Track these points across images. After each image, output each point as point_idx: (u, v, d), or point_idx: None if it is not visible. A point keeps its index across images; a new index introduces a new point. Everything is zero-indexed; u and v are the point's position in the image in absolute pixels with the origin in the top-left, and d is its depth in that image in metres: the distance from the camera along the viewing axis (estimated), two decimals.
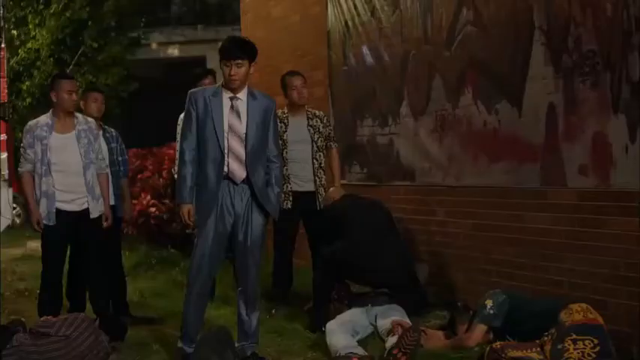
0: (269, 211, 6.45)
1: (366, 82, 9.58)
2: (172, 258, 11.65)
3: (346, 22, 9.88)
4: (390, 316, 6.92)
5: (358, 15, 9.59)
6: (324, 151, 8.39)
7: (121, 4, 19.47)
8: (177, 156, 7.02)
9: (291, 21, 11.31)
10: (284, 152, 8.24)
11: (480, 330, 6.47)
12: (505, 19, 7.39)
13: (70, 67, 18.56)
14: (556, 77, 6.79)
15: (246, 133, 6.36)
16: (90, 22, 18.87)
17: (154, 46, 24.89)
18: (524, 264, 7.24)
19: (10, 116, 6.96)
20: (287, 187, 8.20)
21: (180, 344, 6.52)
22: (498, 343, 6.07)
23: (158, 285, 10.14)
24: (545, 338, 5.92)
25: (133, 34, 20.94)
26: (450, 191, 8.18)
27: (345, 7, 9.87)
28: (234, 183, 6.35)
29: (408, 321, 6.89)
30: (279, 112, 8.51)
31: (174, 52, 26.10)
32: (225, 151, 6.29)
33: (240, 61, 6.26)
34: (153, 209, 12.50)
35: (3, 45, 6.75)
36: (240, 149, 6.34)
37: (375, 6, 9.24)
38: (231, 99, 6.37)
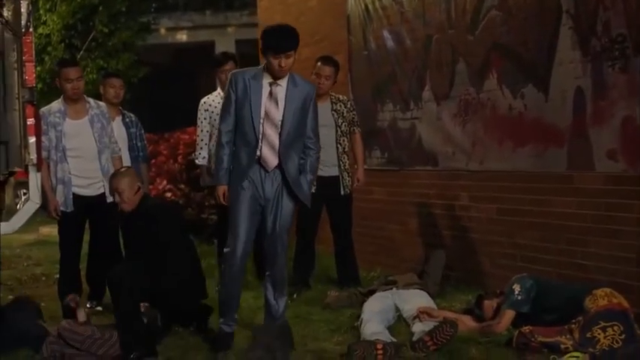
0: (300, 198, 6.43)
1: (386, 66, 9.56)
2: None
3: (366, 6, 9.86)
4: (417, 302, 6.93)
5: None
6: (348, 136, 8.38)
7: None
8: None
9: (309, 5, 11.30)
10: None
11: (509, 316, 6.46)
12: (531, 4, 7.37)
13: (81, 52, 18.58)
14: (584, 61, 6.78)
15: (282, 121, 6.29)
16: (101, 8, 18.90)
17: (162, 31, 24.83)
18: (549, 248, 7.24)
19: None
20: None
21: (221, 324, 6.49)
22: (527, 327, 6.06)
23: None
24: (573, 325, 5.92)
25: (143, 20, 20.92)
26: (473, 176, 8.17)
27: None
28: (265, 169, 6.32)
29: (434, 306, 6.92)
30: None
31: (182, 37, 26.06)
32: (260, 137, 6.27)
33: (289, 52, 6.18)
34: (169, 194, 12.49)
35: (31, 29, 6.73)
36: (274, 137, 6.30)
37: None
38: (271, 84, 6.29)
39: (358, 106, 9.07)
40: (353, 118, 8.42)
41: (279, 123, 6.30)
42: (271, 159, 6.30)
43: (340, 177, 8.27)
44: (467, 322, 6.69)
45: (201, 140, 8.67)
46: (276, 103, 6.30)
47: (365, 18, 9.92)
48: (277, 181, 6.36)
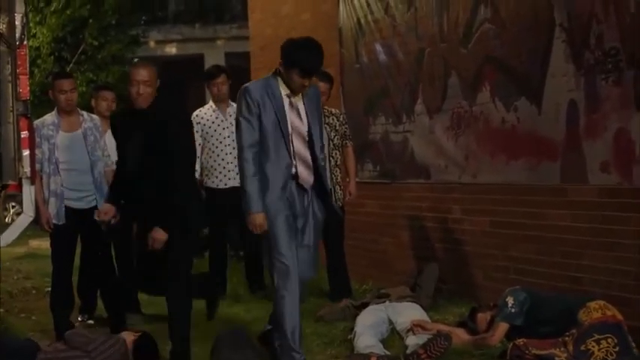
0: (333, 212, 6.24)
1: (379, 79, 9.57)
2: None
3: (358, 20, 9.88)
4: (410, 315, 6.93)
5: (371, 12, 9.58)
6: (340, 149, 8.39)
7: (120, 1, 19.49)
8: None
9: (301, 18, 11.31)
10: None
11: (502, 328, 6.45)
12: (524, 17, 7.38)
13: (71, 65, 18.56)
14: (577, 74, 6.79)
15: (310, 133, 5.96)
16: (90, 20, 18.90)
17: (151, 44, 24.85)
18: (543, 261, 7.24)
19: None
20: None
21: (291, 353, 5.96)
22: (521, 340, 6.05)
23: None
24: (567, 338, 5.92)
25: (133, 33, 20.93)
26: (466, 189, 8.18)
27: (357, 4, 9.87)
28: (302, 188, 5.96)
29: (427, 319, 6.92)
30: None
31: (172, 50, 26.09)
32: (292, 154, 5.87)
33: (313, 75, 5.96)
34: None
35: (25, 42, 6.71)
36: (304, 151, 5.93)
37: (389, 3, 9.23)
38: (289, 96, 5.91)
39: (350, 120, 9.09)
40: (345, 131, 8.44)
41: (307, 136, 5.95)
42: (308, 177, 5.95)
43: (332, 190, 8.27)
44: (460, 335, 6.68)
45: None
46: (299, 115, 5.95)
47: (357, 31, 9.94)
48: (308, 197, 6.02)
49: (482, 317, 6.71)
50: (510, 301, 6.45)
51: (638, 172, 6.29)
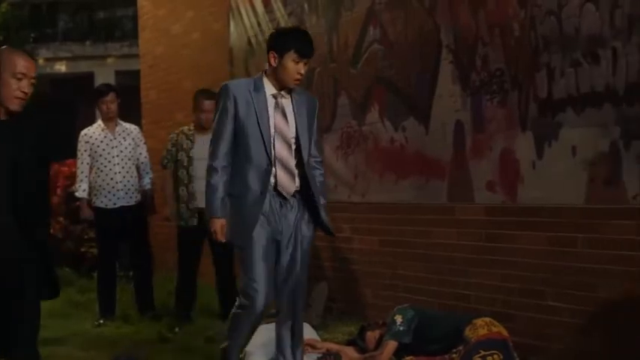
0: (324, 228, 5.78)
1: None
2: (67, 277, 11.42)
3: (249, 40, 9.88)
4: None
5: (262, 32, 9.59)
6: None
7: (8, 18, 19.14)
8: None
9: (192, 38, 11.27)
10: (190, 169, 8.21)
11: (391, 346, 6.48)
12: (412, 38, 7.48)
13: None
14: (464, 95, 6.91)
15: (297, 138, 5.57)
16: None
17: (40, 61, 24.42)
18: (431, 279, 7.32)
19: None
20: (193, 204, 8.19)
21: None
22: (410, 357, 6.13)
23: (55, 306, 9.92)
24: (454, 355, 5.99)
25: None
26: (355, 208, 8.23)
27: (247, 24, 9.87)
28: (282, 196, 5.57)
29: (317, 338, 6.93)
30: (185, 128, 8.47)
31: (61, 67, 25.65)
32: (272, 159, 5.49)
33: (308, 60, 5.61)
34: None
35: None
36: (288, 157, 5.54)
37: (279, 23, 9.25)
38: (275, 96, 5.55)
39: None
40: None
41: (293, 141, 5.57)
42: (288, 184, 5.54)
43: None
44: (350, 354, 6.70)
45: (81, 172, 8.65)
46: (285, 117, 5.56)
47: (248, 51, 9.94)
48: (295, 210, 5.61)
49: (372, 335, 6.74)
50: (399, 319, 6.49)
51: (523, 191, 6.42)
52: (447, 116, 7.07)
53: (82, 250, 11.78)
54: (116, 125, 8.76)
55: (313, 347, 6.65)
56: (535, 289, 6.35)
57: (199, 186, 8.16)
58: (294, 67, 5.47)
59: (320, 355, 6.34)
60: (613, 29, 5.70)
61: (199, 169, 8.16)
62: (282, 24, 9.19)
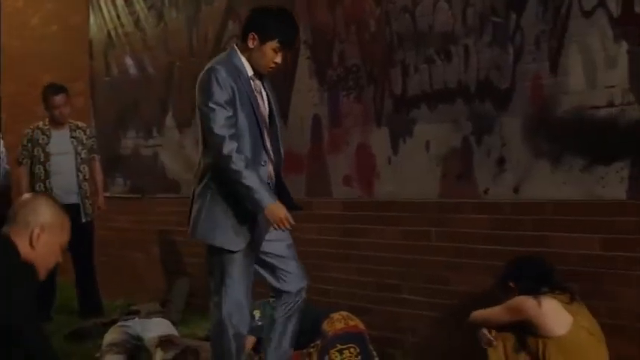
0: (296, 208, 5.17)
1: (129, 93, 9.47)
2: None
3: (109, 32, 9.74)
4: (158, 331, 6.87)
5: (122, 25, 9.47)
6: (88, 163, 8.24)
7: None
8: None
9: (51, 30, 11.04)
10: (47, 165, 8.05)
11: (249, 341, 6.48)
12: None
13: None
14: (321, 90, 6.96)
15: (272, 120, 5.01)
16: None
17: None
18: None
19: None
20: None
21: None
22: None
23: None
24: (312, 349, 6.02)
25: None
26: None
27: (107, 16, 9.72)
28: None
29: (176, 334, 6.88)
30: (41, 123, 8.28)
31: None
32: (267, 149, 4.94)
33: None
34: None
35: None
36: (269, 147, 4.97)
37: (139, 17, 9.15)
38: (252, 78, 4.91)
39: (101, 134, 8.94)
40: (92, 145, 8.30)
41: (273, 130, 5.01)
42: (271, 172, 5.04)
43: (81, 204, 8.10)
44: (208, 349, 6.67)
45: None
46: (262, 100, 4.99)
47: (107, 44, 9.79)
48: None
49: None
50: (257, 314, 6.49)
51: (378, 186, 6.49)
52: (305, 111, 7.11)
53: None
54: None
55: (172, 343, 6.59)
56: (391, 282, 6.44)
57: (57, 181, 8.04)
58: (272, 56, 4.86)
59: (178, 351, 6.28)
60: (465, 27, 5.82)
61: (56, 164, 8.03)
62: (142, 17, 9.09)
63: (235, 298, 5.05)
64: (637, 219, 4.91)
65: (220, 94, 4.73)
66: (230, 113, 4.73)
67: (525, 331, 4.82)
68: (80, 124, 8.35)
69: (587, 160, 5.10)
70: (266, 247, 5.13)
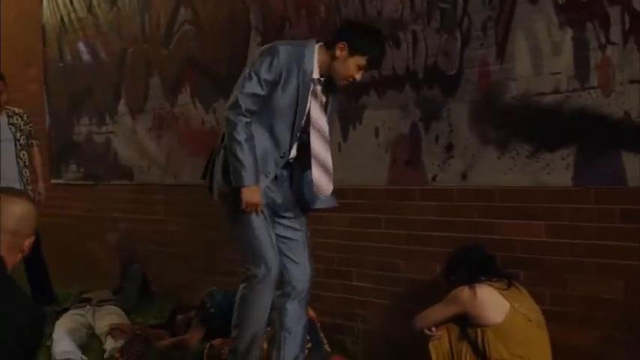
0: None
1: (82, 79, 9.41)
2: None
3: (62, 18, 9.66)
4: (109, 319, 6.86)
5: (74, 10, 9.39)
6: (27, 149, 8.14)
7: None
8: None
9: (3, 14, 10.90)
10: None
11: (201, 329, 6.48)
12: (222, 19, 7.45)
13: None
14: None
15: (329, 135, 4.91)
16: None
17: None
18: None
19: None
20: None
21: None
22: (218, 340, 6.09)
23: None
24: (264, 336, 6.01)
25: None
26: (168, 190, 8.16)
27: (60, 2, 9.65)
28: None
29: (127, 322, 6.86)
30: None
31: None
32: (289, 147, 4.84)
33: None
34: None
35: None
36: (326, 155, 4.87)
37: (92, 2, 9.09)
38: (316, 82, 4.79)
39: (54, 120, 8.87)
40: (30, 131, 8.19)
41: (327, 137, 4.89)
42: (326, 185, 4.92)
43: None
44: (160, 337, 6.66)
45: None
46: (323, 109, 4.88)
47: (60, 29, 9.71)
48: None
49: (182, 319, 6.73)
50: (208, 302, 6.48)
51: None
52: None
53: None
54: None
55: (122, 331, 6.58)
56: (341, 269, 6.42)
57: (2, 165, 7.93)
58: (354, 72, 4.75)
59: (128, 339, 6.26)
60: (413, 13, 5.80)
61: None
62: (95, 3, 9.02)
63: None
64: (582, 206, 4.92)
65: (266, 72, 4.66)
66: (262, 93, 4.65)
67: (465, 322, 4.84)
68: (17, 110, 8.21)
69: (534, 146, 5.10)
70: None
